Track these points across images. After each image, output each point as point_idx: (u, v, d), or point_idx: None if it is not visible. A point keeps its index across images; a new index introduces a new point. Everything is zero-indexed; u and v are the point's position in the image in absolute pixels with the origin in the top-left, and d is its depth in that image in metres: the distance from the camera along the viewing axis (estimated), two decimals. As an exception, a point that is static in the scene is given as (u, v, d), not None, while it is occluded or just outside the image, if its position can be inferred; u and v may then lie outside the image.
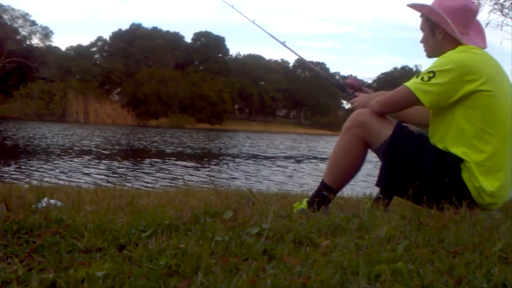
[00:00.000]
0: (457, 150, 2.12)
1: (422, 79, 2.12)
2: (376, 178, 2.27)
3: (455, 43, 2.21)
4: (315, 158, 21.35)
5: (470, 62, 2.10)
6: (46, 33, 53.08)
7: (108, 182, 9.65)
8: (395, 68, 69.21)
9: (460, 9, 2.23)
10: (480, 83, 2.07)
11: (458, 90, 2.08)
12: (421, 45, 2.37)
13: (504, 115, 2.13)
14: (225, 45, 60.39)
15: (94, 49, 56.39)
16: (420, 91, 2.10)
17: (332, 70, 68.41)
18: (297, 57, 3.42)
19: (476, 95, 2.08)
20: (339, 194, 2.52)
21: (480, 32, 2.35)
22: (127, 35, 56.54)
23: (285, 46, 3.05)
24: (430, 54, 2.33)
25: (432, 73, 2.10)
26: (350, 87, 2.64)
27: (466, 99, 2.09)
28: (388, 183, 2.23)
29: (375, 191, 2.53)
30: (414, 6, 2.34)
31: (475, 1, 5.78)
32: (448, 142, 2.15)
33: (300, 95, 64.32)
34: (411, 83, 2.15)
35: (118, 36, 56.69)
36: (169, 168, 13.61)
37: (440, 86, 2.08)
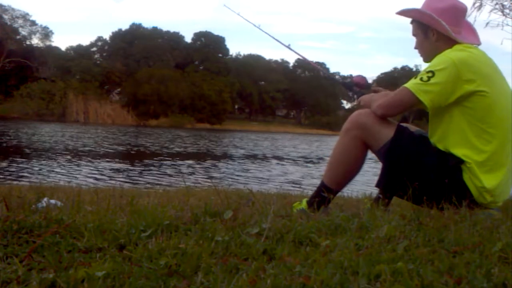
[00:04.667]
0: (459, 151, 2.12)
1: (421, 79, 2.11)
2: (376, 179, 2.27)
3: (450, 42, 2.20)
4: (264, 156, 20.87)
5: (468, 61, 2.10)
6: (46, 33, 53.11)
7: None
8: (395, 68, 69.32)
9: (449, 9, 2.23)
10: (478, 83, 2.07)
11: (457, 89, 2.07)
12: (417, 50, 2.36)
13: (502, 114, 2.13)
14: (225, 45, 60.41)
15: (94, 49, 56.43)
16: (421, 91, 2.09)
17: (332, 70, 68.45)
18: (297, 57, 3.43)
19: (474, 96, 2.08)
20: (339, 194, 2.52)
21: (471, 29, 2.34)
22: (127, 35, 56.54)
23: (290, 49, 3.05)
24: (427, 58, 2.31)
25: (431, 73, 2.09)
26: (357, 85, 2.61)
27: (465, 100, 2.09)
28: (389, 185, 2.23)
29: (375, 191, 2.53)
30: (403, 12, 2.32)
31: (474, 1, 5.80)
32: (449, 142, 2.15)
33: (300, 95, 64.36)
34: (411, 84, 2.13)
35: (118, 36, 56.70)
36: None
37: (440, 85, 2.08)
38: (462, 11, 2.29)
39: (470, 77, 2.07)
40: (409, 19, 2.35)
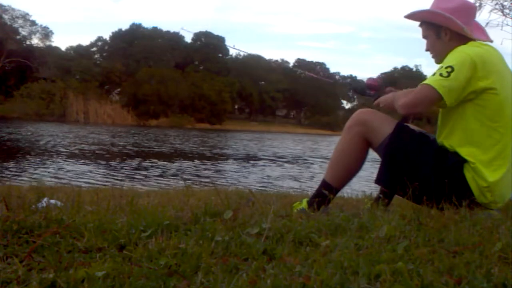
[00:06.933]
0: (464, 150, 2.11)
1: (441, 75, 2.05)
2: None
3: (463, 41, 2.18)
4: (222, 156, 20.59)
5: (484, 57, 2.09)
6: (46, 33, 53.11)
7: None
8: (395, 68, 69.24)
9: (460, 8, 2.22)
10: (491, 80, 2.06)
11: (471, 85, 2.05)
12: (423, 48, 2.32)
13: (510, 112, 2.13)
14: (225, 45, 60.33)
15: (94, 49, 56.38)
16: (442, 87, 2.03)
17: (332, 70, 68.51)
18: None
19: (485, 94, 2.06)
20: (339, 194, 2.52)
21: (480, 28, 2.33)
22: (127, 35, 56.51)
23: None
24: (440, 59, 2.25)
25: (450, 68, 2.05)
26: (371, 88, 2.54)
27: (476, 97, 2.07)
28: (387, 181, 2.23)
29: (375, 191, 2.53)
30: (413, 15, 2.29)
31: (474, 1, 5.80)
32: (455, 140, 2.14)
33: (300, 95, 64.30)
34: (432, 80, 2.07)
35: (118, 36, 56.67)
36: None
37: (459, 81, 2.04)
38: (472, 9, 2.29)
39: (484, 74, 2.06)
40: (413, 20, 2.33)
